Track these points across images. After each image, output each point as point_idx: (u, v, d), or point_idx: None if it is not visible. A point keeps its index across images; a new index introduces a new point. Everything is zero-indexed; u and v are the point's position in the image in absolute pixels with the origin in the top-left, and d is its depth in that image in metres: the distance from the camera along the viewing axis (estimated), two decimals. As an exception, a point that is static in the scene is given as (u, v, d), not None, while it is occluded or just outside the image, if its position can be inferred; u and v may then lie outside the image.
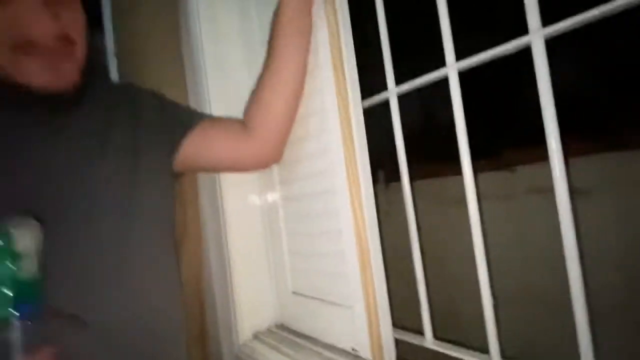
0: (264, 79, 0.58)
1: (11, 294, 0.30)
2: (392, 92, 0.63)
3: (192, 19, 0.82)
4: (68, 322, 0.36)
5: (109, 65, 1.00)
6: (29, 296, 0.31)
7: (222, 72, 0.78)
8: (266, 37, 0.61)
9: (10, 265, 0.29)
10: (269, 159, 0.62)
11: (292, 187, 0.75)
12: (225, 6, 0.84)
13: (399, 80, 0.62)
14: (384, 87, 0.62)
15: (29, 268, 0.31)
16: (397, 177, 0.63)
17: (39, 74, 0.39)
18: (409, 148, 0.62)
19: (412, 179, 0.61)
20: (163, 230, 0.53)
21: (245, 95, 0.62)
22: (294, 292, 0.76)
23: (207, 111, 0.80)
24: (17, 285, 0.30)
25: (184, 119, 0.58)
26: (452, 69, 0.53)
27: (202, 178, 0.88)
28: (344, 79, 0.58)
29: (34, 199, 0.40)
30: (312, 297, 0.70)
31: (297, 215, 0.74)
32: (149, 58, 0.83)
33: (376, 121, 0.63)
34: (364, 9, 0.61)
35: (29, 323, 0.30)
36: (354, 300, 0.58)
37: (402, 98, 0.61)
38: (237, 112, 0.62)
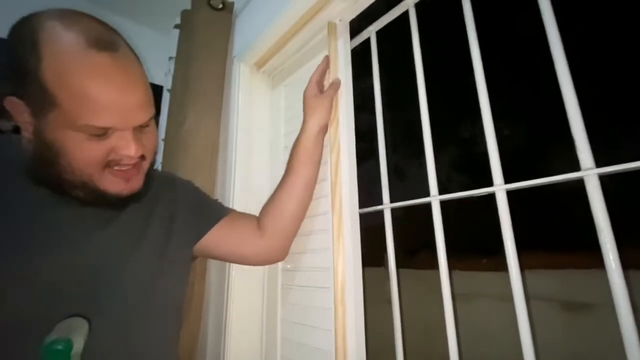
0: (280, 189, 0.70)
1: None
2: (387, 206, 0.74)
3: (231, 129, 1.00)
4: None
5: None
6: None
7: (247, 176, 0.92)
8: (288, 145, 0.75)
9: None
10: (275, 257, 0.70)
11: (293, 276, 0.82)
12: (258, 116, 1.03)
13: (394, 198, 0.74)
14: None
15: None
16: (405, 263, 0.69)
17: (117, 185, 0.48)
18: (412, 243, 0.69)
19: (416, 267, 0.66)
20: (174, 313, 0.58)
21: (263, 197, 0.74)
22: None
23: (229, 202, 0.92)
24: None
25: (212, 213, 0.67)
26: (434, 199, 0.64)
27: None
28: (338, 189, 0.71)
29: (80, 288, 0.46)
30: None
31: (293, 305, 0.80)
32: (188, 148, 0.99)
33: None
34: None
35: None
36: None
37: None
38: (254, 209, 0.74)
